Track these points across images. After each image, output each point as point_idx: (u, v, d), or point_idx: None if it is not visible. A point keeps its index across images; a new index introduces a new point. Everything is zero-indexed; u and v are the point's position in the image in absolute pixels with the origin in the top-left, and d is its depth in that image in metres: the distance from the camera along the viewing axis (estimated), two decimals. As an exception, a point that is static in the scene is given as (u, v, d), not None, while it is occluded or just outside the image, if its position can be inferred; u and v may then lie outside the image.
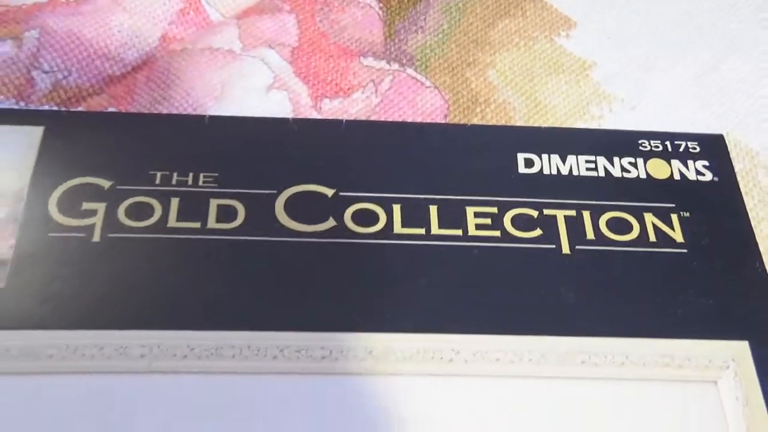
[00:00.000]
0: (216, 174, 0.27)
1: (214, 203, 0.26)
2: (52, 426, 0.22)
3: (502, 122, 0.30)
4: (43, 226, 0.25)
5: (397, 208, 0.27)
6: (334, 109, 0.30)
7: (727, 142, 0.29)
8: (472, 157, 0.28)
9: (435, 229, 0.26)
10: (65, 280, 0.24)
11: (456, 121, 0.30)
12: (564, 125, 0.31)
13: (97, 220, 0.25)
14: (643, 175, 0.28)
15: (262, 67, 0.31)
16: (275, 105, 0.30)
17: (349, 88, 0.31)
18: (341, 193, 0.27)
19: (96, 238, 0.25)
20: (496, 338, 0.24)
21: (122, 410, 0.22)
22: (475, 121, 0.30)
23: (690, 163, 0.29)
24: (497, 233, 0.26)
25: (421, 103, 0.30)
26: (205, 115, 0.29)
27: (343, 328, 0.24)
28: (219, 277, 0.25)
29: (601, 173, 0.28)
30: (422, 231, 0.26)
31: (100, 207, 0.26)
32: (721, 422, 0.24)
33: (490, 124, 0.30)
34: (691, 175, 0.29)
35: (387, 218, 0.26)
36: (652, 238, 0.27)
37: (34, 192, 0.26)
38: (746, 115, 0.31)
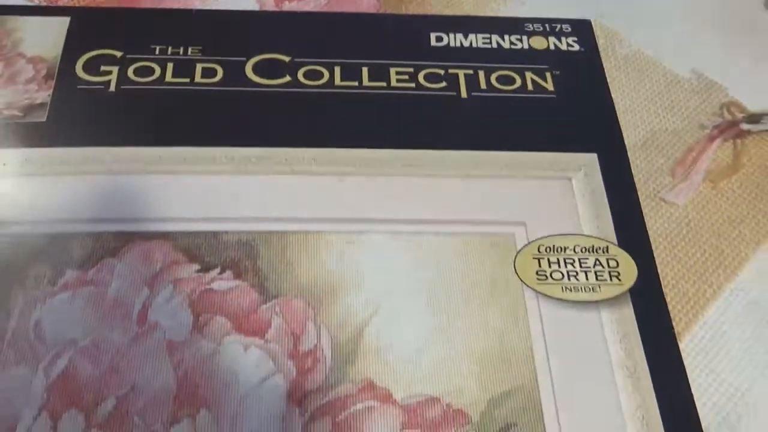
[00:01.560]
0: (200, 47, 0.36)
1: (199, 66, 0.35)
2: (83, 208, 0.30)
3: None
4: (72, 81, 0.34)
5: (337, 69, 0.35)
6: (292, 8, 0.39)
7: (593, 25, 0.38)
8: (395, 35, 0.37)
9: (366, 82, 0.35)
10: (89, 116, 0.33)
11: (386, 14, 0.39)
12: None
13: (113, 78, 0.34)
14: (526, 47, 0.37)
15: (237, -19, 0.40)
16: (248, 7, 0.39)
17: (304, -5, 0.40)
18: (296, 59, 0.36)
19: (112, 89, 0.34)
20: (408, 152, 0.33)
21: (136, 200, 0.31)
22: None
23: (563, 39, 0.38)
24: (412, 85, 0.35)
25: (359, 2, 0.39)
26: (192, 9, 0.38)
27: (294, 145, 0.33)
28: (203, 115, 0.34)
29: (494, 46, 0.37)
30: (356, 83, 0.35)
31: (114, 69, 0.34)
32: (573, 205, 0.32)
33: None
34: (563, 47, 0.37)
35: (329, 75, 0.35)
36: (530, 87, 0.36)
37: (65, 59, 0.35)
38: (609, 6, 0.40)
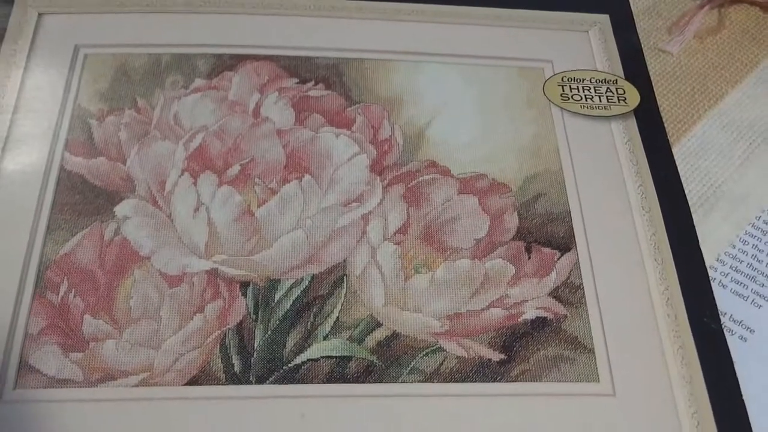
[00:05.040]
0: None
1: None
2: (207, 37, 0.39)
3: None
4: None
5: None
6: None
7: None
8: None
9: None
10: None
11: None
12: None
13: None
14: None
15: None
16: None
17: None
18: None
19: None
20: (458, 7, 0.41)
21: (248, 33, 0.39)
22: None
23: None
24: (460, -40, 0.44)
25: None
26: None
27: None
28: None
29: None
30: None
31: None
32: (589, 51, 0.41)
33: None
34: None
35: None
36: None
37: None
38: None
